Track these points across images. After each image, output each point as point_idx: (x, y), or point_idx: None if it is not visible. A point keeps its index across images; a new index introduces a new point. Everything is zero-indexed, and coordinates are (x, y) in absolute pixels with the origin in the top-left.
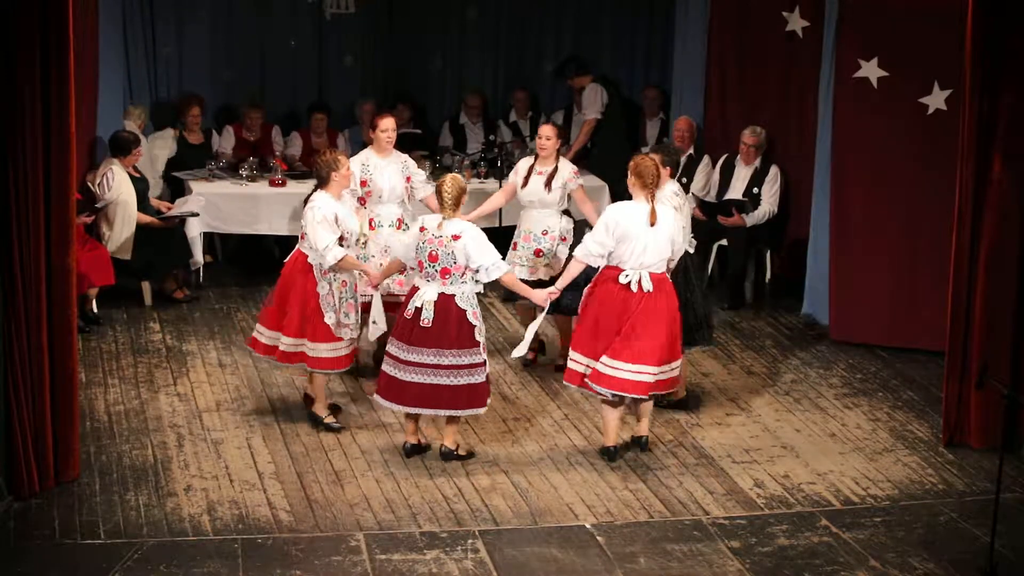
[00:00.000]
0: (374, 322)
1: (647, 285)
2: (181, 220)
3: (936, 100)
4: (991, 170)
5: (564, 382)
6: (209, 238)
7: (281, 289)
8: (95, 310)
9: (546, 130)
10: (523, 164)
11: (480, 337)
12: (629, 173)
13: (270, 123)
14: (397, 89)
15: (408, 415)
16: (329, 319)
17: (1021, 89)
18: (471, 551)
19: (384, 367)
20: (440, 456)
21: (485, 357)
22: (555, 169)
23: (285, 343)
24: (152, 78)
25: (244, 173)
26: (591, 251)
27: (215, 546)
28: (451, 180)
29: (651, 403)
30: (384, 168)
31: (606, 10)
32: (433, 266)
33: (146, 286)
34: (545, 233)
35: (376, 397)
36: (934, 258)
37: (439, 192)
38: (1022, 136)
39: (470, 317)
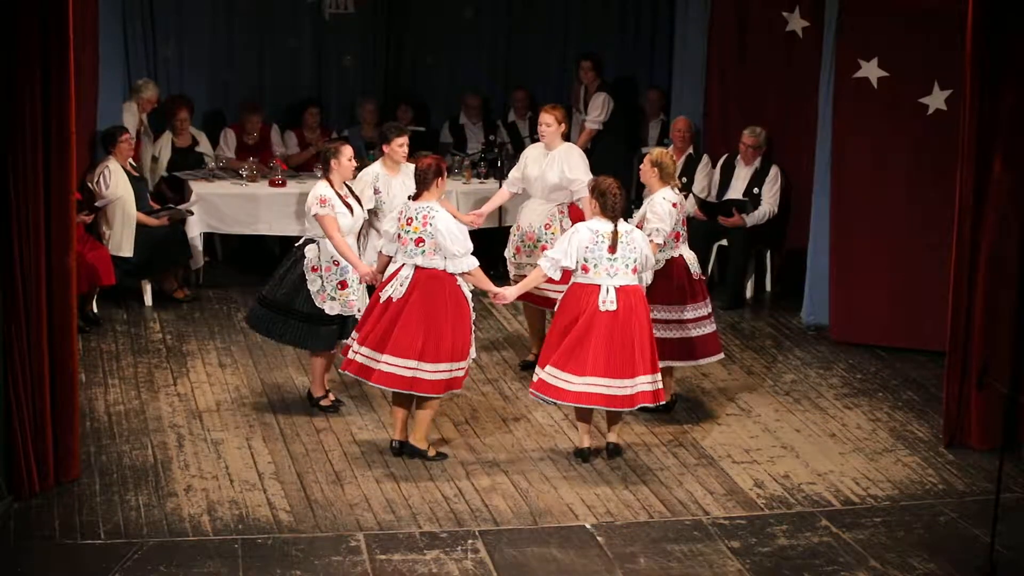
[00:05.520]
0: None
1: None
2: (181, 219)
3: (936, 100)
4: (991, 170)
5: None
6: (209, 238)
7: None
8: (95, 310)
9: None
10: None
11: None
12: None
13: (268, 125)
14: (397, 89)
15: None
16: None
17: (1021, 89)
18: (471, 551)
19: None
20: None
21: None
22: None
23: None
24: (152, 78)
25: (244, 173)
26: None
27: (215, 546)
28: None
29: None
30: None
31: (606, 10)
32: (685, 230)
33: (146, 286)
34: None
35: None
36: (934, 258)
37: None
38: (1022, 136)
39: None
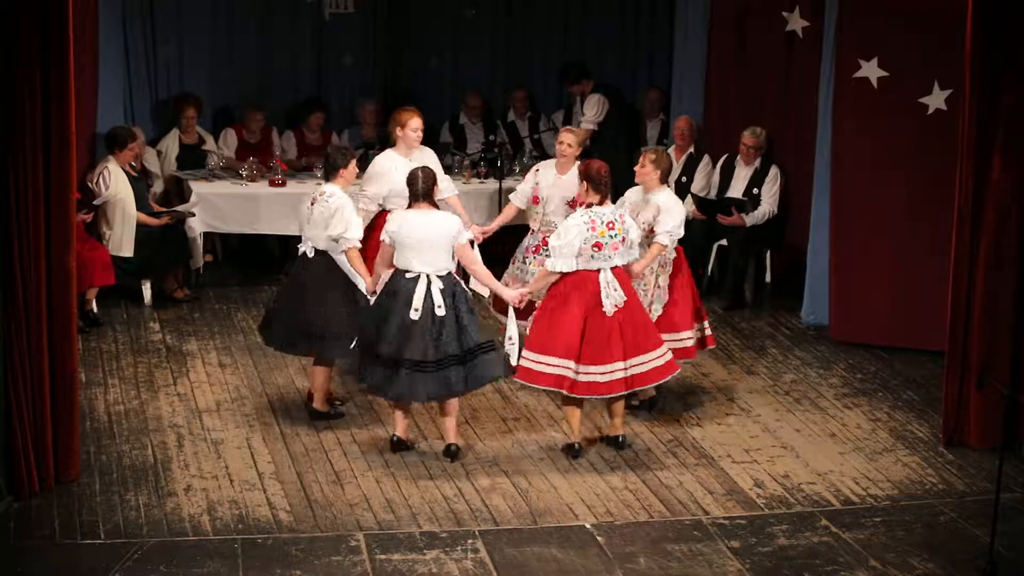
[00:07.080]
0: None
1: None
2: (181, 219)
3: (936, 100)
4: (991, 170)
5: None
6: (209, 238)
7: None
8: (95, 310)
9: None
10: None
11: None
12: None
13: (270, 126)
14: (397, 89)
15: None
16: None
17: (1021, 89)
18: (471, 551)
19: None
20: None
21: None
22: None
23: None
24: (152, 78)
25: (244, 173)
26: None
27: (215, 546)
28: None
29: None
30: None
31: (606, 10)
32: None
33: (146, 286)
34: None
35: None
36: (934, 258)
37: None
38: (1022, 136)
39: None
